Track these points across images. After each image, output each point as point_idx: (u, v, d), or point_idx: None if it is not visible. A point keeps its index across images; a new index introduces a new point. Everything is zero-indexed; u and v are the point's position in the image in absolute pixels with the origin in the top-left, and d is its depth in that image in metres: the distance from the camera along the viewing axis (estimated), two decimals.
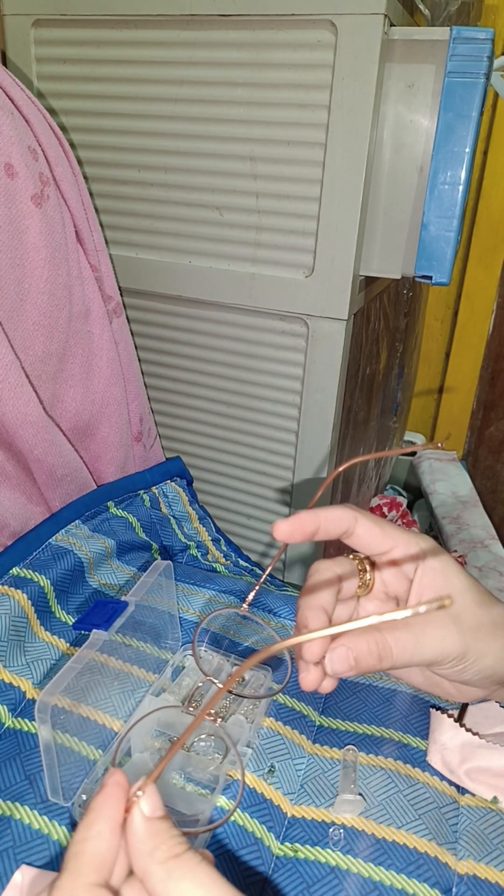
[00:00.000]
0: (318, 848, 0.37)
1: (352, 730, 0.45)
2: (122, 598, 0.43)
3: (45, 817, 0.38)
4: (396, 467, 1.34)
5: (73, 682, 0.36)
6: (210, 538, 0.73)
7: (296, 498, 0.76)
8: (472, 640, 0.35)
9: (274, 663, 0.50)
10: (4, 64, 0.68)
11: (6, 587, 0.50)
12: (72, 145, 0.66)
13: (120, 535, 0.63)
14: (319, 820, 0.39)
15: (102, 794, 0.24)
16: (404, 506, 1.13)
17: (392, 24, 0.56)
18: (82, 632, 0.50)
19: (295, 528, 0.34)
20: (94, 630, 0.40)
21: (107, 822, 0.23)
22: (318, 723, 0.46)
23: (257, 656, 0.23)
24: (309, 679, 0.35)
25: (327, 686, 0.36)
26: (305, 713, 0.46)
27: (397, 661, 0.34)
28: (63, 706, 0.38)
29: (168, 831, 0.23)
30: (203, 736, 0.43)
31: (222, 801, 0.39)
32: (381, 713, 0.46)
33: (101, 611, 0.42)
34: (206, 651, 0.50)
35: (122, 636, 0.46)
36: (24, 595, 0.50)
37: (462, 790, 0.41)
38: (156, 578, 0.45)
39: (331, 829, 0.38)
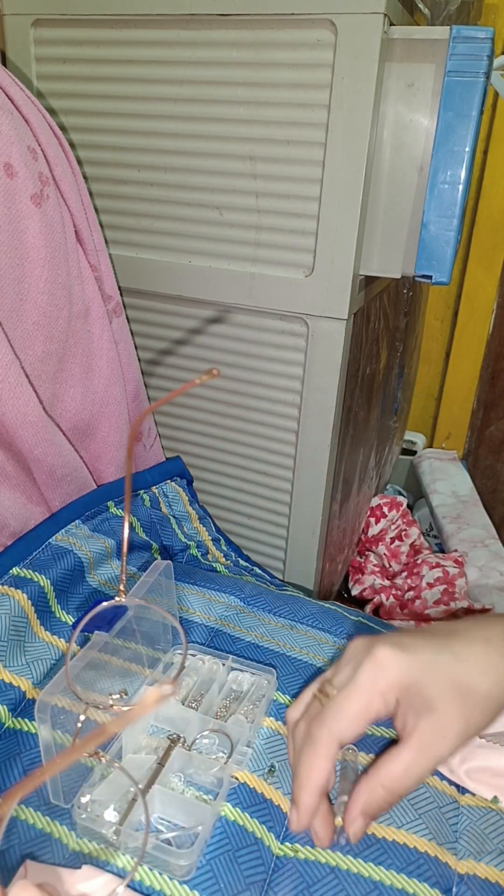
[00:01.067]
0: (318, 848, 0.37)
1: None
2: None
3: (48, 818, 0.38)
4: (396, 467, 1.34)
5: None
6: (210, 538, 0.73)
7: (296, 499, 0.76)
8: (469, 713, 0.34)
9: (278, 663, 0.50)
10: (4, 64, 0.68)
11: (6, 587, 0.50)
12: (72, 145, 0.66)
13: (120, 534, 0.63)
14: None
15: None
16: (404, 506, 1.13)
17: (392, 24, 0.56)
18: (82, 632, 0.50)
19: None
20: (96, 631, 0.40)
21: None
22: None
23: (91, 738, 0.20)
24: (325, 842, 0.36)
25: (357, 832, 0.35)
26: None
27: (408, 785, 0.34)
28: (63, 706, 0.38)
29: None
30: (206, 733, 0.42)
31: (227, 809, 0.39)
32: None
33: (100, 611, 0.42)
34: (195, 655, 0.49)
35: (121, 639, 0.46)
36: (24, 595, 0.50)
37: (462, 790, 0.41)
38: (156, 578, 0.45)
39: None
